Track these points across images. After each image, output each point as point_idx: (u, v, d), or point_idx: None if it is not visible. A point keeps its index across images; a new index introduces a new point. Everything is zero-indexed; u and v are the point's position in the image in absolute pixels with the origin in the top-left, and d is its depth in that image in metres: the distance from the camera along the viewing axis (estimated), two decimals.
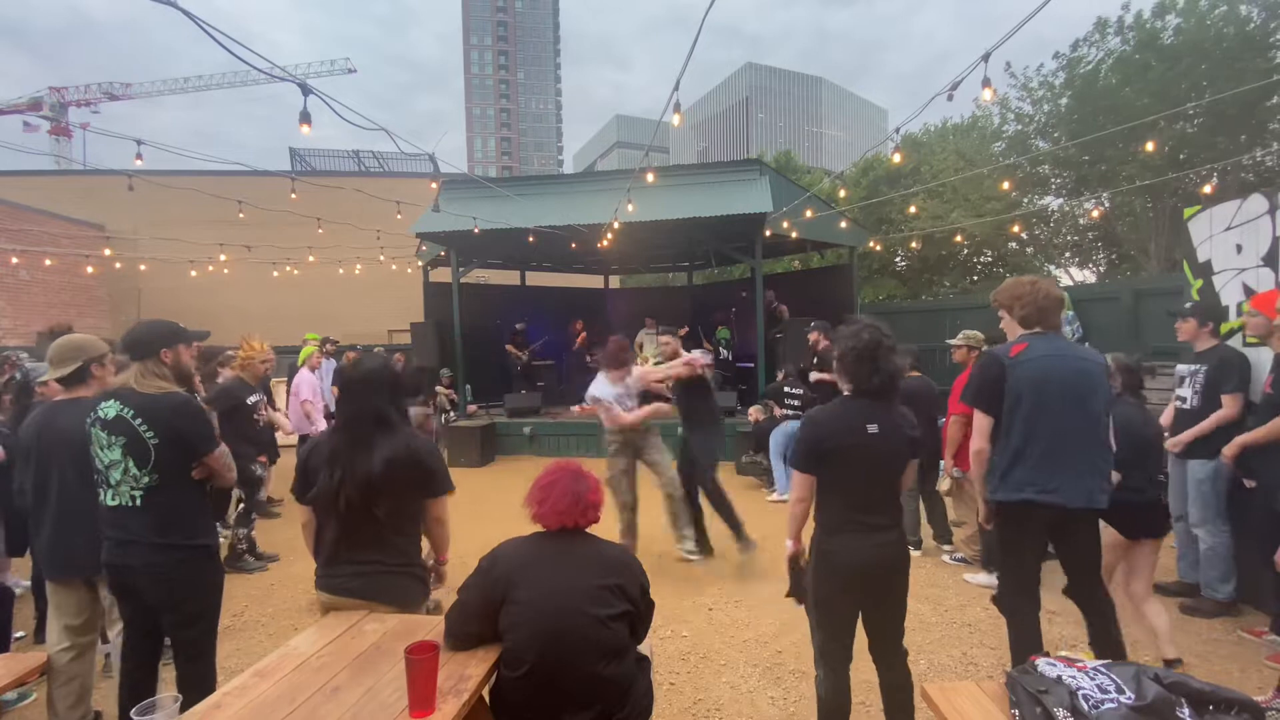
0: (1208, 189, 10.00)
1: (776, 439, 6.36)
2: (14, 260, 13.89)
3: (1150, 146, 9.28)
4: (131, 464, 2.14)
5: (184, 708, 1.55)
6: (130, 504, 2.16)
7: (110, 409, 2.16)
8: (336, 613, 2.06)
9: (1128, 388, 2.97)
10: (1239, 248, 3.85)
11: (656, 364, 10.36)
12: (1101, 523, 2.60)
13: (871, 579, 2.16)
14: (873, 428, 2.13)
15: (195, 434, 2.24)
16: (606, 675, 1.70)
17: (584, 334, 10.99)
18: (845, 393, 2.26)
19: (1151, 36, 13.53)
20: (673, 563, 4.63)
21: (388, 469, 2.06)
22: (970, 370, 2.80)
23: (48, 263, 14.07)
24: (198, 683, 2.20)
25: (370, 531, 2.09)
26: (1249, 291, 3.73)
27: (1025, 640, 2.45)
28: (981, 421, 2.50)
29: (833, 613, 2.20)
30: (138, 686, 2.24)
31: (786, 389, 6.46)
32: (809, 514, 2.28)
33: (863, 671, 2.36)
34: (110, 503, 2.19)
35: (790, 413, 6.32)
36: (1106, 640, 2.48)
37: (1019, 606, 2.50)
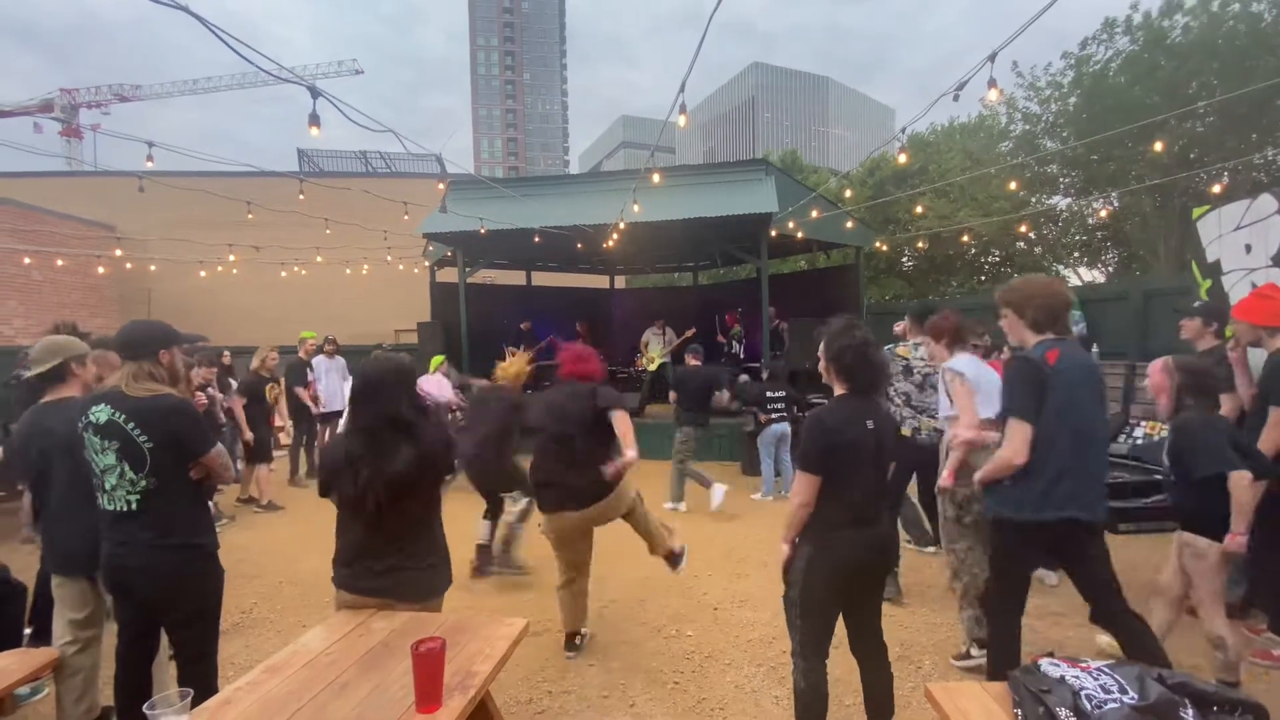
0: (1217, 189, 9.92)
1: (765, 440, 6.42)
2: (26, 260, 14.02)
3: (1159, 146, 9.22)
4: (127, 468, 2.13)
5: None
6: (126, 508, 2.15)
7: (102, 413, 2.13)
8: (345, 610, 2.08)
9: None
10: (1248, 247, 3.83)
11: (663, 363, 10.52)
12: (1197, 539, 2.58)
13: (865, 575, 2.23)
14: (871, 423, 2.18)
15: (190, 436, 2.23)
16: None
17: (585, 337, 11.01)
18: (839, 392, 2.28)
19: (1161, 35, 13.44)
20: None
21: (418, 467, 2.10)
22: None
23: (59, 263, 14.19)
24: (199, 682, 2.19)
25: (394, 530, 2.12)
26: None
27: (1008, 645, 2.45)
28: (1024, 431, 2.32)
29: (822, 609, 2.22)
30: (133, 688, 2.25)
31: (769, 393, 6.45)
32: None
33: (836, 669, 2.35)
34: (106, 507, 2.18)
35: (775, 415, 6.36)
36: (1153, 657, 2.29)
37: (1008, 619, 2.48)
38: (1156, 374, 2.83)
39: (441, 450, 2.22)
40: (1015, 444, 2.32)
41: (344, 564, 2.19)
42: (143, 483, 2.14)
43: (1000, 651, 2.46)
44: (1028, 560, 2.56)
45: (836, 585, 2.19)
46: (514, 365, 4.44)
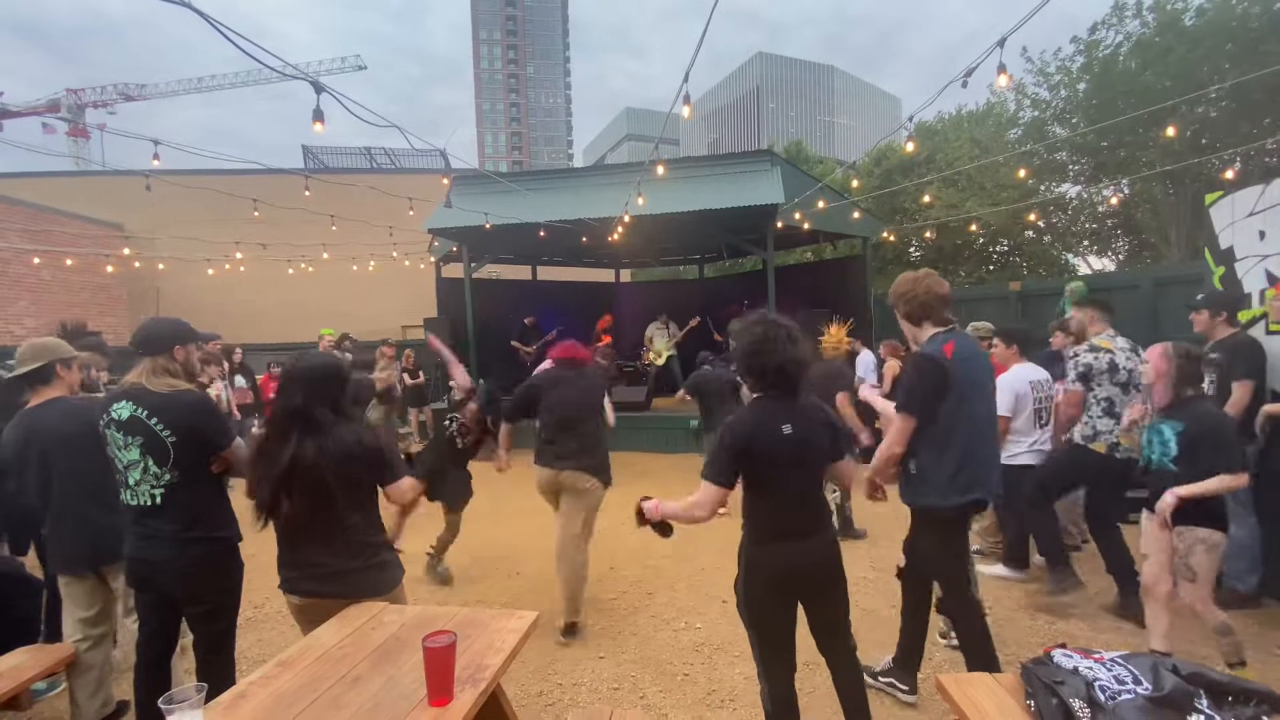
0: (1230, 174, 9.78)
1: None
2: (36, 261, 14.13)
3: (1171, 131, 9.07)
4: (151, 463, 2.15)
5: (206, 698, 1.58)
6: (149, 503, 2.17)
7: (124, 410, 2.15)
8: (357, 605, 2.08)
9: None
10: (1262, 234, 3.77)
11: (670, 357, 10.48)
12: (1213, 532, 2.59)
13: (803, 584, 2.08)
14: (787, 428, 2.01)
15: (212, 430, 2.26)
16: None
17: (609, 337, 10.84)
18: (752, 395, 2.16)
19: (1173, 18, 13.25)
20: (685, 559, 4.64)
21: (327, 466, 2.03)
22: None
23: (68, 263, 14.28)
24: (218, 674, 2.22)
25: (327, 529, 2.07)
26: (1272, 279, 3.67)
27: (982, 635, 2.49)
28: (908, 426, 2.42)
29: (769, 624, 2.10)
30: (154, 680, 2.27)
31: None
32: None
33: (804, 653, 2.23)
34: (130, 502, 2.20)
35: None
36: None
37: (974, 603, 2.54)
38: (1156, 359, 2.78)
39: (360, 454, 2.09)
40: (898, 436, 2.45)
41: (287, 566, 2.13)
42: (166, 477, 2.17)
43: (972, 642, 2.50)
44: (958, 544, 2.55)
45: (775, 600, 2.07)
46: (834, 337, 4.60)
